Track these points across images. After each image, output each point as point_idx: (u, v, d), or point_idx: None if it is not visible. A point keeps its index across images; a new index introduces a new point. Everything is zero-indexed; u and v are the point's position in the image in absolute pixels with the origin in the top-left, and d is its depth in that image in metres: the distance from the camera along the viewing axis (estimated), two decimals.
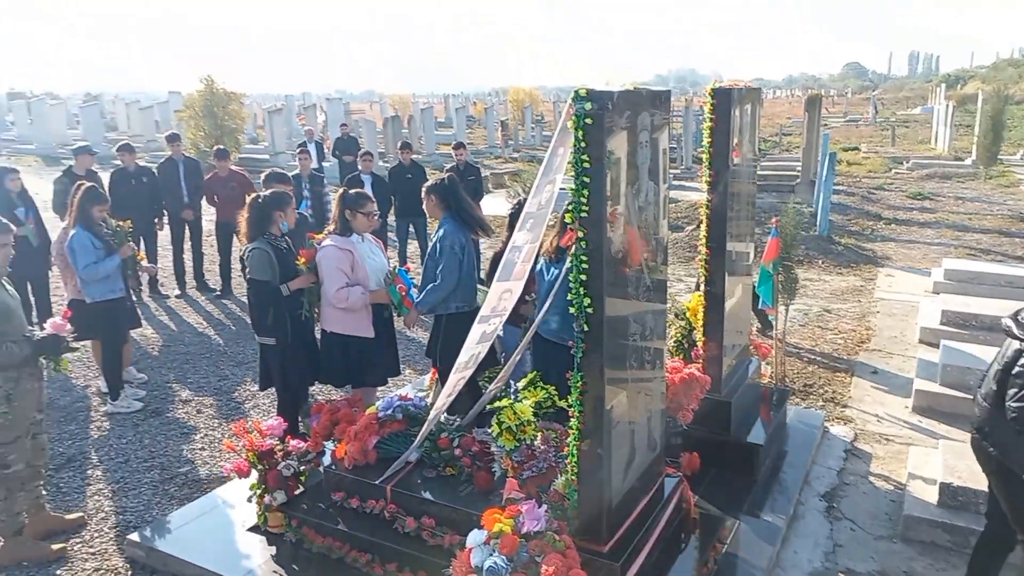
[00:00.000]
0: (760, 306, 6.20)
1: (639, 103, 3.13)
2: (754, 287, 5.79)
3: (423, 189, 4.92)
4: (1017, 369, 3.25)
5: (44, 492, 4.36)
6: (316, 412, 4.43)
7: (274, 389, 5.01)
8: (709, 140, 4.53)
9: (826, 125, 24.14)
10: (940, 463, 4.61)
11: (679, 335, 5.15)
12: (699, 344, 4.88)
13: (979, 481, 4.17)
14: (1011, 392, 3.24)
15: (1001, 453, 3.34)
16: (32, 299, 7.28)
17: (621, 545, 3.30)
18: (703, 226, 4.68)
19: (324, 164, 15.03)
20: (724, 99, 4.43)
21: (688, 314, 5.19)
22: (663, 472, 3.84)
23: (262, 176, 6.35)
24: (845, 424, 5.75)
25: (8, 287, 3.99)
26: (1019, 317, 3.43)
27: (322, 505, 3.93)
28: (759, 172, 5.70)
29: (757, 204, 6.39)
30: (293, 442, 4.13)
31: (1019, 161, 21.52)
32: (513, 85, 51.39)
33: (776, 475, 4.79)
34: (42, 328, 4.08)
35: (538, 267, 4.42)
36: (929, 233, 13.09)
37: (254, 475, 4.01)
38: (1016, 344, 3.34)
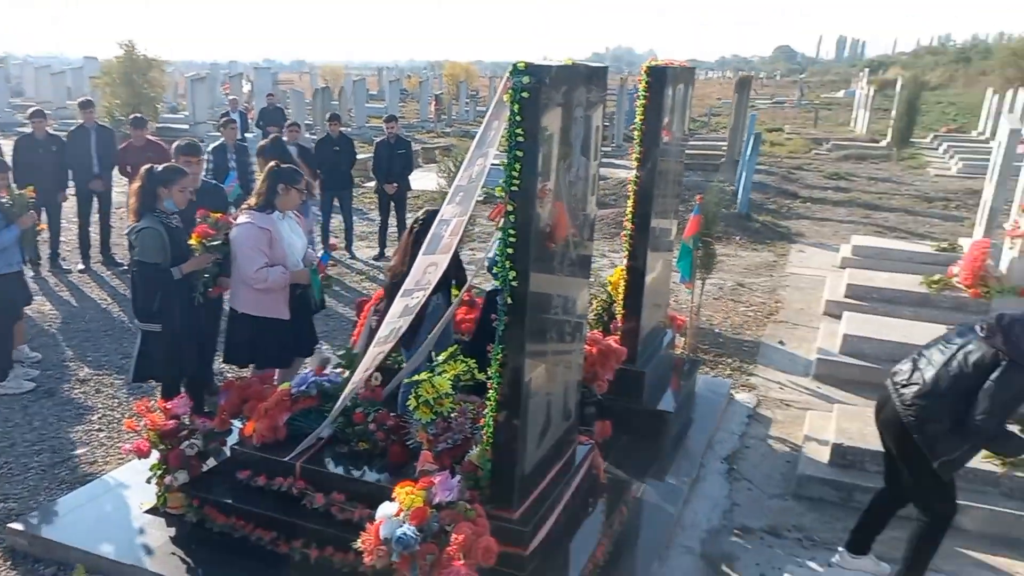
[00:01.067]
0: (680, 280, 6.31)
1: (576, 79, 3.10)
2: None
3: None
4: (991, 384, 3.13)
5: None
6: (226, 389, 4.28)
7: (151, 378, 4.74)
8: (642, 118, 4.54)
9: (754, 107, 24.70)
10: (833, 426, 4.84)
11: (600, 308, 5.20)
12: (618, 316, 4.93)
13: (867, 440, 4.41)
14: (981, 406, 3.14)
15: (927, 447, 3.31)
16: None
17: (531, 511, 3.32)
18: (629, 203, 4.70)
19: (247, 135, 14.51)
20: (659, 77, 4.45)
21: (610, 287, 5.25)
22: (576, 440, 3.88)
23: (173, 146, 6.01)
24: (750, 391, 5.97)
25: None
26: (1003, 322, 3.20)
27: (227, 484, 3.79)
28: (687, 151, 5.77)
29: (683, 182, 6.48)
30: (198, 420, 3.97)
31: (929, 144, 22.52)
32: (449, 59, 50.67)
33: (683, 441, 4.98)
34: None
35: None
36: (841, 212, 13.61)
37: (155, 455, 3.84)
38: (982, 350, 3.21)
